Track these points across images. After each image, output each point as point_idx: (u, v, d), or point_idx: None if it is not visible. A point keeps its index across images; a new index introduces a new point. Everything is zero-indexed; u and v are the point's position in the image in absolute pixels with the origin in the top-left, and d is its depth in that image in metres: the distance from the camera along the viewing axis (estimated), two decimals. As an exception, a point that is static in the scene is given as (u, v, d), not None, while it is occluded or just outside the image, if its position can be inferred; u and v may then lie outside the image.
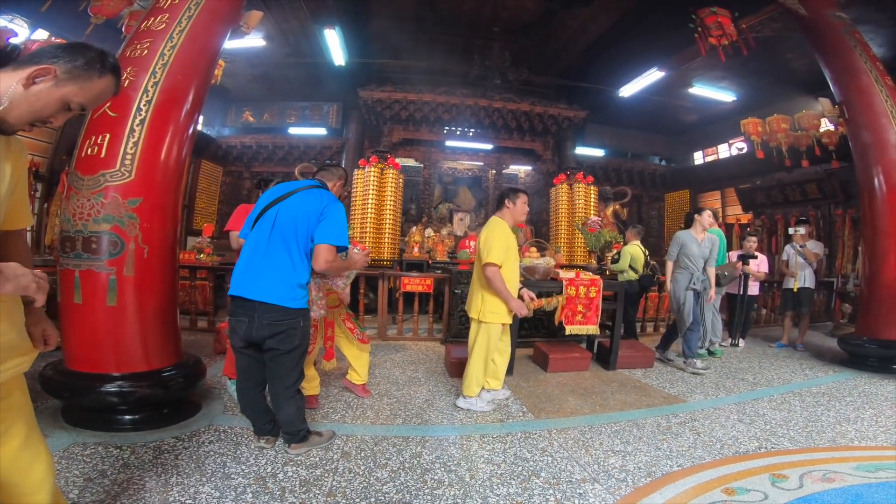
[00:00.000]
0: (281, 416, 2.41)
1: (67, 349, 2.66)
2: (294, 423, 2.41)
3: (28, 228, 1.30)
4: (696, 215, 4.80)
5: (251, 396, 2.45)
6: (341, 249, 2.34)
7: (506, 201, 3.35)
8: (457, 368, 4.03)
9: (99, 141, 2.68)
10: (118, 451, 2.38)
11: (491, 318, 3.21)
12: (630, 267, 5.55)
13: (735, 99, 10.24)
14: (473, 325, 3.31)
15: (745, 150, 11.41)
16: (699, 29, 5.73)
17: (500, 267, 3.13)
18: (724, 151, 12.49)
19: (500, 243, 3.15)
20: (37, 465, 1.14)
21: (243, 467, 2.27)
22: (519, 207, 3.35)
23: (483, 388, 3.39)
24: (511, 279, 3.26)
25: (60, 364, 2.68)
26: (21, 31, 6.26)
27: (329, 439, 2.59)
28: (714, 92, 10.08)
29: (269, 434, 2.51)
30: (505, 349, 3.54)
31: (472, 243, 7.37)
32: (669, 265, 4.82)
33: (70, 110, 1.10)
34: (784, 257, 6.13)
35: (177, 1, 3.05)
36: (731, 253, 5.83)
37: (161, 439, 2.54)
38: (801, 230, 6.09)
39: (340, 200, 2.53)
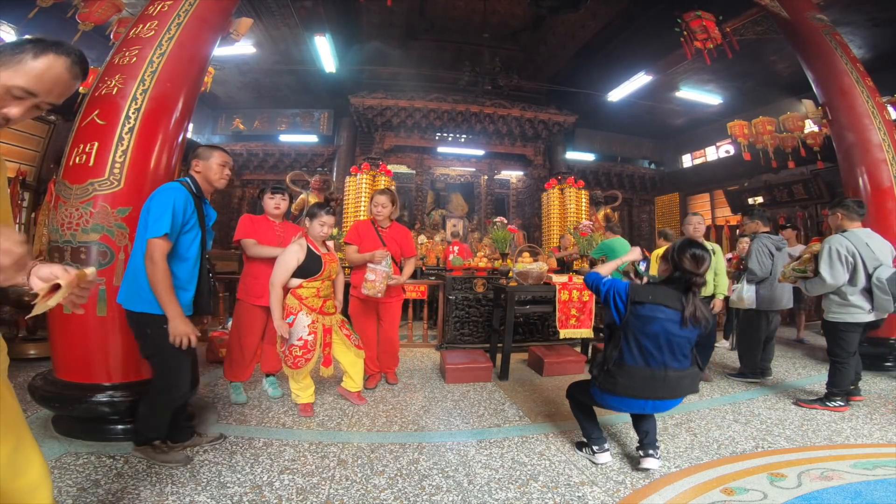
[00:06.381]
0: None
1: (57, 359, 2.62)
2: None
3: None
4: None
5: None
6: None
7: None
8: (452, 374, 4.01)
9: (87, 149, 2.65)
10: (111, 460, 2.34)
11: None
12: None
13: (721, 101, 10.40)
14: None
15: (732, 153, 11.59)
16: (684, 33, 5.80)
17: None
18: (711, 154, 12.67)
19: None
20: (31, 469, 1.13)
21: (239, 476, 2.23)
22: None
23: None
24: None
25: (50, 374, 2.63)
26: (8, 38, 6.23)
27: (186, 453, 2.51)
28: (700, 95, 10.23)
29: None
30: None
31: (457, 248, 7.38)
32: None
33: (19, 98, 1.04)
34: None
35: (166, 8, 3.03)
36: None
37: (153, 451, 2.49)
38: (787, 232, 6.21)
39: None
